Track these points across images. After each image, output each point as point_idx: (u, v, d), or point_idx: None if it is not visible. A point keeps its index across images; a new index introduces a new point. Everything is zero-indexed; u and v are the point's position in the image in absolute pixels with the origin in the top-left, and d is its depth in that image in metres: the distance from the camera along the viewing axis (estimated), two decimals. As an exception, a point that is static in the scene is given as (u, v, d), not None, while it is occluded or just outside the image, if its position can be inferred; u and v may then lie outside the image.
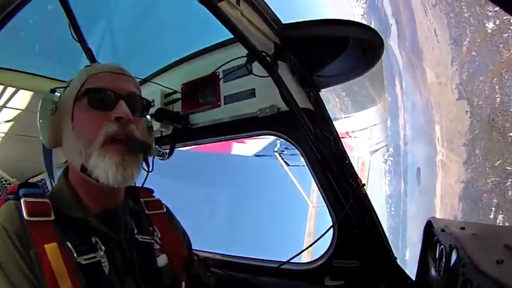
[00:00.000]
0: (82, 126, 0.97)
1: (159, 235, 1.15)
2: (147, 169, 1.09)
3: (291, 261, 1.54)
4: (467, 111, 14.53)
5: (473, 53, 13.51)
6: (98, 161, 0.93)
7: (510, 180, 11.60)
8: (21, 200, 0.90)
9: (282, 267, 1.85)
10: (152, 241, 1.10)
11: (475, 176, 13.98)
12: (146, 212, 1.18)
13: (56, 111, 1.00)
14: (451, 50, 15.25)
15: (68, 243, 0.89)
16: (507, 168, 11.72)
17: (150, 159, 1.10)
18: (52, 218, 0.90)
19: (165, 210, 1.27)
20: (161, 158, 1.08)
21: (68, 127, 0.99)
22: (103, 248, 0.94)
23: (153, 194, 1.32)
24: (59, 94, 1.03)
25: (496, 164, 12.34)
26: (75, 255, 0.88)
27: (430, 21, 16.89)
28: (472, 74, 13.89)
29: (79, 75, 1.05)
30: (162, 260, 1.12)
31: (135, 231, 1.08)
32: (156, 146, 1.06)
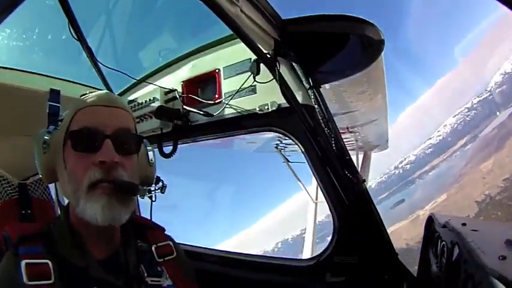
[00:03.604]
0: (70, 169, 0.95)
1: (168, 276, 1.12)
2: (152, 200, 1.10)
3: (290, 258, 1.54)
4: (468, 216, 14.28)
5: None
6: (85, 206, 0.91)
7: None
8: (22, 263, 0.87)
9: (282, 264, 1.86)
10: (161, 283, 1.08)
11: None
12: (157, 260, 1.15)
13: (48, 150, 0.98)
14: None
15: None
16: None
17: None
18: (52, 281, 0.88)
19: (175, 254, 1.22)
20: (161, 190, 1.08)
21: (61, 167, 0.98)
22: None
23: (165, 233, 1.28)
24: (50, 134, 1.00)
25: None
26: None
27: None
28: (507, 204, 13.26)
29: (70, 109, 1.02)
30: None
31: (146, 275, 1.05)
32: (149, 187, 1.07)
